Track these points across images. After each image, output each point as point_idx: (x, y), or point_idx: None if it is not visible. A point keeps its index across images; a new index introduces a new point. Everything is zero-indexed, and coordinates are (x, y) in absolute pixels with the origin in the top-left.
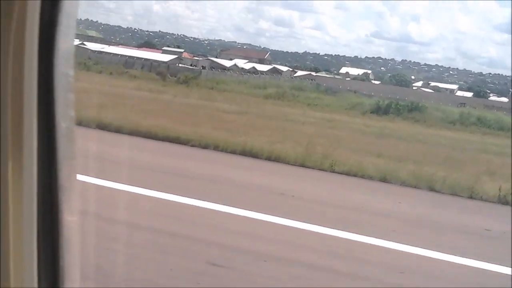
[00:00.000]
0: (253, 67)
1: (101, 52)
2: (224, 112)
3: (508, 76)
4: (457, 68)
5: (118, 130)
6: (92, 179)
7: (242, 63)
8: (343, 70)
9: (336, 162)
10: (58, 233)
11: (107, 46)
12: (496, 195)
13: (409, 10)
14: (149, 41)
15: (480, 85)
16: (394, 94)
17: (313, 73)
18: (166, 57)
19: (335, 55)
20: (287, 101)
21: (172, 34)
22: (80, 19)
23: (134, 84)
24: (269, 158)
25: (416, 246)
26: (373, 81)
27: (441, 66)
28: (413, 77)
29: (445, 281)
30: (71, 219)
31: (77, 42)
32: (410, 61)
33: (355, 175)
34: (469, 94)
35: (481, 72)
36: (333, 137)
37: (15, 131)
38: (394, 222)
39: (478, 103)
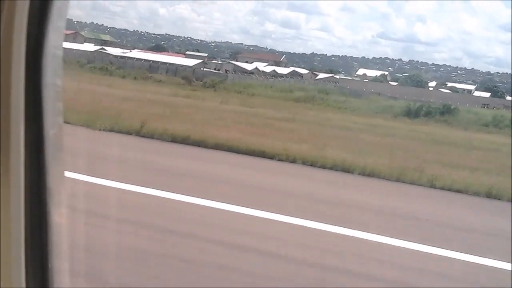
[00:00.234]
0: (274, 70)
1: (123, 57)
2: (274, 119)
3: None
4: (465, 68)
5: (198, 144)
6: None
7: (262, 66)
8: (360, 71)
9: (436, 177)
10: (46, 234)
11: (129, 51)
12: None
13: (415, 11)
14: (157, 43)
15: (495, 85)
16: (415, 95)
17: (336, 76)
18: (191, 62)
19: (342, 56)
20: (317, 105)
21: (179, 36)
22: (85, 22)
23: (167, 90)
24: (363, 173)
25: None
26: (390, 83)
27: (449, 66)
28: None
29: None
30: (59, 221)
31: (97, 47)
32: (418, 61)
33: (458, 191)
34: (487, 94)
35: (489, 71)
36: (401, 147)
37: (3, 136)
38: None
39: (498, 104)
